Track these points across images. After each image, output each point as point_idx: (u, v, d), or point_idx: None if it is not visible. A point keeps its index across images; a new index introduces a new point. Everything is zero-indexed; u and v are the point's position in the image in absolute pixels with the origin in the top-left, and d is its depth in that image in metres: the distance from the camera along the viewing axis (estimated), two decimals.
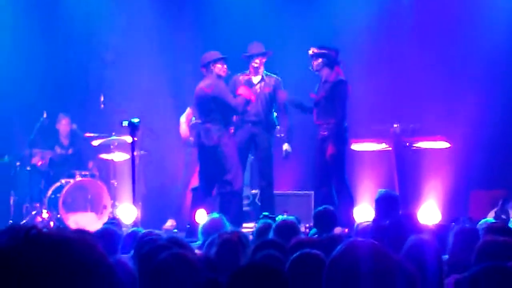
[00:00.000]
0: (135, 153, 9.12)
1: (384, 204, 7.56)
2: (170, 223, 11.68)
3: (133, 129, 8.74)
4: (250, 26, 12.51)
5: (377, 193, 7.88)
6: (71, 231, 1.99)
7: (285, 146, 10.80)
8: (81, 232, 3.75)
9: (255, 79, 10.72)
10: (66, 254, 1.61)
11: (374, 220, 7.63)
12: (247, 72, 10.76)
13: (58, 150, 12.40)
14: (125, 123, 8.77)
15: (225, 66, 10.35)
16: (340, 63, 10.21)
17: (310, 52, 10.23)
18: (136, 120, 8.77)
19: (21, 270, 1.58)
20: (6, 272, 1.57)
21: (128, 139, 11.26)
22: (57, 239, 1.63)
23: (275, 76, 10.75)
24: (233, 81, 10.71)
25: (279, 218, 7.46)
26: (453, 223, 8.03)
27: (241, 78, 10.72)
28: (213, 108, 10.22)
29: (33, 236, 1.61)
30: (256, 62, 10.63)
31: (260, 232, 6.92)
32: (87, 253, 1.64)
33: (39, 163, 12.11)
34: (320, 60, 10.17)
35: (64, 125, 12.48)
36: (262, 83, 10.69)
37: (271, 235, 6.41)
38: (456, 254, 5.35)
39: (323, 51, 10.19)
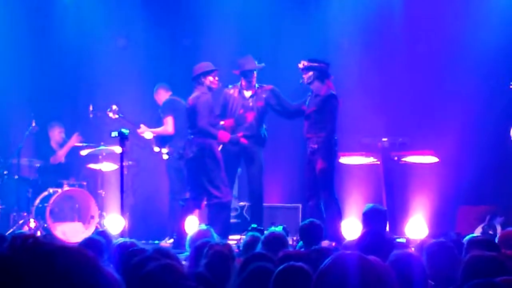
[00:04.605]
0: (123, 163, 9.11)
1: (371, 218, 7.56)
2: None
3: (122, 139, 8.71)
4: (242, 38, 12.53)
5: (365, 207, 7.88)
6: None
7: None
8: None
9: (247, 93, 10.69)
10: (61, 263, 1.63)
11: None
12: (238, 84, 10.73)
13: (52, 159, 12.38)
14: (115, 134, 8.74)
15: (216, 78, 10.33)
16: (331, 77, 10.22)
17: (301, 65, 10.23)
18: (125, 130, 8.76)
19: (19, 278, 1.60)
20: (5, 280, 1.59)
21: (117, 149, 11.26)
22: (53, 248, 1.65)
23: (266, 86, 10.72)
24: (224, 95, 10.70)
25: (271, 229, 7.43)
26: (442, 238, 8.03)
27: (232, 91, 10.69)
28: (196, 121, 10.22)
29: (30, 245, 1.63)
30: (254, 77, 10.62)
31: (248, 245, 6.92)
32: (82, 262, 1.66)
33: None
34: (310, 73, 10.17)
35: (58, 133, 12.51)
36: (255, 97, 10.67)
37: (259, 247, 6.41)
38: (438, 269, 5.33)
39: (313, 64, 10.19)
